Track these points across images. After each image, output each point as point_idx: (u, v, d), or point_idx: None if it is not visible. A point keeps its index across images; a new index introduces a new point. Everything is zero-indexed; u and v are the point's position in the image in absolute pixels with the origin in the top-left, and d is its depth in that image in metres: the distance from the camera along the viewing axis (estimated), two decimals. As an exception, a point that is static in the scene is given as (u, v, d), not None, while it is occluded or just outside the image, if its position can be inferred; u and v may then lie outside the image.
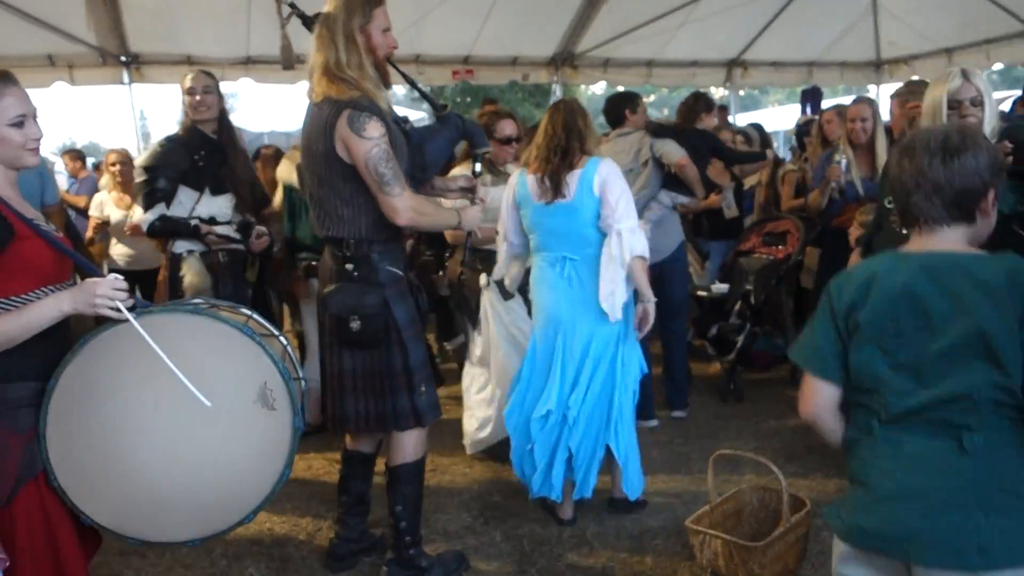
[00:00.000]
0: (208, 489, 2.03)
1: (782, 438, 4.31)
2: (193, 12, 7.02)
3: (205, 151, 3.76)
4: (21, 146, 1.93)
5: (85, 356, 1.94)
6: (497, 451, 4.08)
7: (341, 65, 2.63)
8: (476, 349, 3.97)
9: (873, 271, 1.75)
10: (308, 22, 2.77)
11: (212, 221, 3.79)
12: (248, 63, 7.81)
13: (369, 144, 2.58)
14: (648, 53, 8.86)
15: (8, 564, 1.90)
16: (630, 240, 3.10)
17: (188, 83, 3.76)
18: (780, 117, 15.62)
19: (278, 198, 4.42)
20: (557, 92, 8.93)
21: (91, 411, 1.95)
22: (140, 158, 3.83)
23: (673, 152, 4.47)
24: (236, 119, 4.27)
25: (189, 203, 3.76)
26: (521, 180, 3.29)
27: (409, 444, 2.91)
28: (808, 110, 9.15)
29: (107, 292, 1.89)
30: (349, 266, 2.74)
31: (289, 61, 3.14)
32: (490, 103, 9.05)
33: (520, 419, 3.34)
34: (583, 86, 9.63)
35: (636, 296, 3.26)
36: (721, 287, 5.04)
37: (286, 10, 2.88)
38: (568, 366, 3.21)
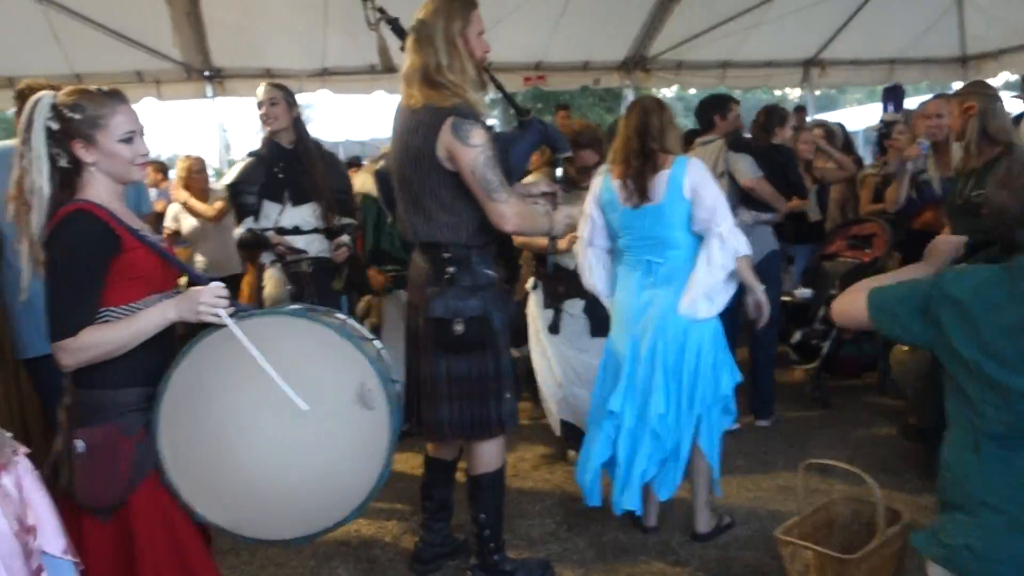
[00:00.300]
0: (311, 488, 2.06)
1: (874, 448, 4.17)
2: (273, 27, 7.21)
3: (283, 163, 3.84)
4: (130, 161, 2.00)
5: (191, 360, 2.00)
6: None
7: (442, 70, 2.63)
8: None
9: (992, 277, 1.70)
10: (397, 27, 2.79)
11: (296, 231, 3.86)
12: (325, 75, 7.98)
13: (475, 151, 2.59)
14: (722, 55, 8.73)
15: (83, 568, 1.95)
16: (732, 242, 3.04)
17: (259, 96, 3.86)
18: (860, 116, 15.18)
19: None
20: (629, 96, 8.86)
21: (199, 413, 2.01)
22: (224, 178, 3.95)
23: (744, 171, 4.39)
24: (312, 130, 4.34)
25: (273, 215, 3.84)
26: (606, 184, 3.23)
27: (490, 453, 2.91)
28: (890, 109, 8.87)
29: (209, 299, 1.95)
30: (451, 269, 2.74)
31: (388, 62, 3.15)
32: (563, 109, 9.08)
33: (596, 428, 3.26)
34: (655, 90, 9.50)
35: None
36: (805, 292, 4.92)
37: (374, 15, 2.91)
38: (653, 371, 3.13)
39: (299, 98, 4.02)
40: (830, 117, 12.11)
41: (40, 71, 3.76)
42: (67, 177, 1.97)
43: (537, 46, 8.18)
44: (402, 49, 2.79)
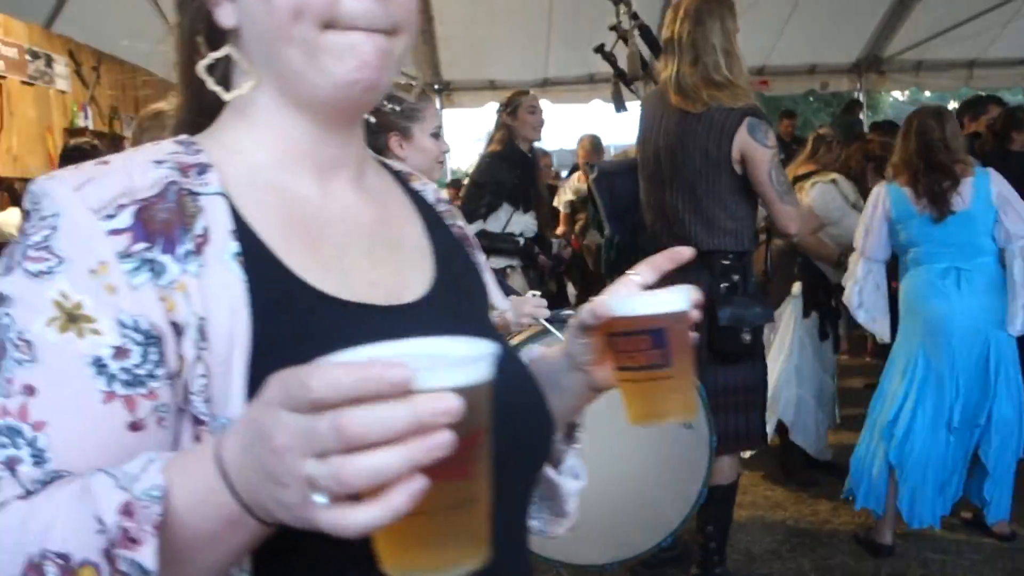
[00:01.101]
0: (626, 509, 1.97)
1: None
2: (499, 40, 7.53)
3: (521, 169, 3.95)
4: (436, 158, 1.96)
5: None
6: (801, 476, 3.92)
7: (722, 69, 2.59)
8: None
9: None
10: (648, 34, 2.80)
11: (521, 236, 3.98)
12: (546, 85, 8.20)
13: (771, 152, 2.56)
14: (970, 53, 8.01)
15: None
16: None
17: (530, 100, 3.90)
18: None
19: None
20: (862, 100, 8.36)
21: None
22: (472, 172, 4.06)
23: None
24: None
25: (505, 218, 3.96)
26: (894, 194, 3.16)
27: (729, 465, 2.84)
28: None
29: (534, 311, 1.89)
30: (736, 277, 2.67)
31: (636, 70, 3.19)
32: (788, 117, 8.67)
33: (907, 439, 3.14)
34: (888, 93, 8.90)
35: None
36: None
37: (628, 20, 2.94)
38: (971, 376, 3.10)
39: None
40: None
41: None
42: None
43: (761, 50, 7.91)
44: (655, 55, 2.79)
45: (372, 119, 1.81)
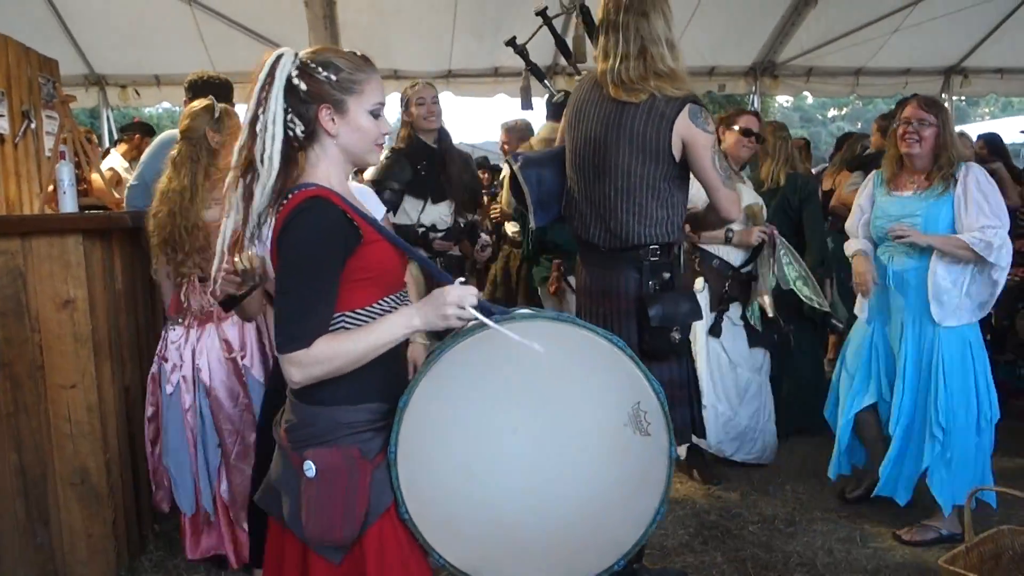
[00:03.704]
0: (574, 528, 1.74)
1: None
2: (403, 29, 7.36)
3: (427, 161, 3.86)
4: (374, 140, 1.72)
5: (438, 372, 1.67)
6: (709, 472, 3.95)
7: (666, 60, 2.52)
8: None
9: None
10: (588, 16, 2.71)
11: (433, 228, 3.89)
12: (449, 76, 8.08)
13: (712, 138, 2.51)
14: (856, 61, 8.39)
15: None
16: None
17: (418, 92, 3.86)
18: (994, 131, 14.32)
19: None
20: (755, 103, 8.62)
21: (443, 434, 1.70)
22: (367, 172, 3.95)
23: None
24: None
25: (414, 212, 3.87)
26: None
27: None
28: (1039, 121, 8.32)
29: (459, 300, 1.60)
30: (666, 274, 2.61)
31: (582, 54, 3.09)
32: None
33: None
34: (774, 97, 9.28)
35: None
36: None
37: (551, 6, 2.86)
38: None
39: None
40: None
41: (185, 70, 3.90)
42: (291, 152, 1.66)
43: (662, 51, 8.04)
44: (592, 39, 2.70)
45: (303, 86, 1.62)
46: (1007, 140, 12.57)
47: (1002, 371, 4.66)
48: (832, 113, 34.81)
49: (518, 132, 4.89)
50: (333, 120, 1.65)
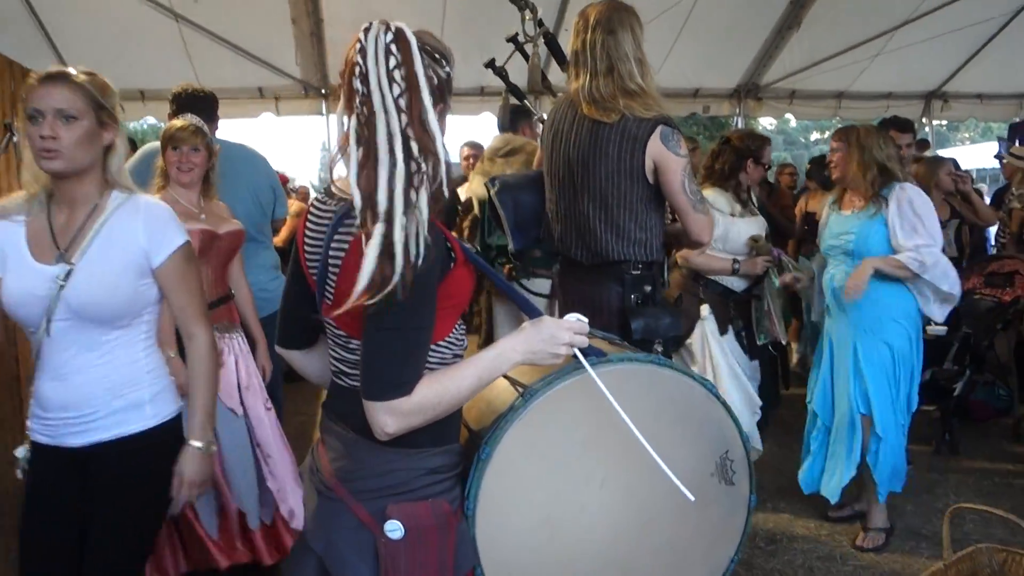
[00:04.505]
0: None
1: (1010, 498, 3.88)
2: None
3: None
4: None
5: (529, 419, 1.51)
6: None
7: (635, 77, 2.52)
8: None
9: None
10: (554, 42, 2.72)
11: None
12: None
13: (684, 161, 2.50)
14: (838, 85, 8.49)
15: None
16: None
17: None
18: (973, 156, 14.54)
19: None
20: (739, 124, 8.70)
21: (526, 486, 1.53)
22: None
23: None
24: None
25: None
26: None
27: None
28: (1017, 144, 8.43)
29: (571, 338, 1.46)
30: (647, 288, 2.61)
31: (537, 81, 3.11)
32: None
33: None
34: (757, 119, 9.39)
35: None
36: (938, 329, 4.64)
37: (533, 27, 2.88)
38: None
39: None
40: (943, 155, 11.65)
41: (170, 85, 3.88)
42: None
43: (647, 71, 8.11)
44: (560, 63, 2.73)
45: (436, 77, 1.39)
46: (982, 165, 12.76)
47: (981, 392, 4.70)
48: (815, 136, 35.17)
49: (481, 149, 5.03)
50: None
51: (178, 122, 3.08)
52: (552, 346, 1.45)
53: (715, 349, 3.59)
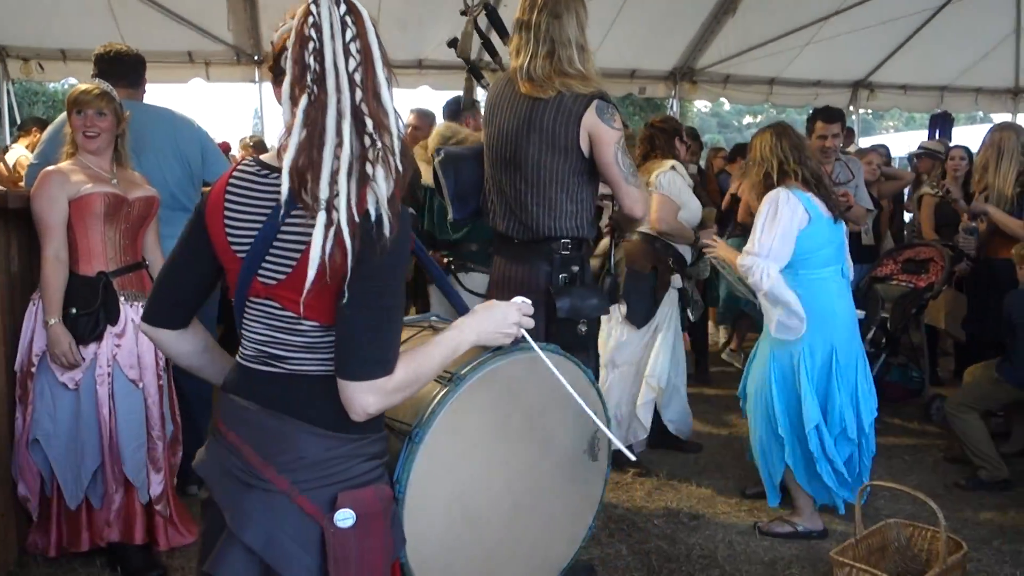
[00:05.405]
0: (526, 553, 1.77)
1: (919, 475, 4.08)
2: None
3: None
4: None
5: (458, 400, 1.56)
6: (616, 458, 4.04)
7: (574, 63, 2.55)
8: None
9: None
10: (496, 16, 2.71)
11: None
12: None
13: (618, 134, 2.53)
14: (771, 71, 8.68)
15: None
16: None
17: None
18: (897, 144, 15.05)
19: None
20: (674, 107, 8.82)
21: (449, 465, 1.58)
22: None
23: None
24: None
25: None
26: (806, 200, 3.23)
27: None
28: (937, 136, 8.78)
29: (520, 318, 1.55)
30: (575, 268, 2.64)
31: (467, 50, 3.10)
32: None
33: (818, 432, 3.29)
34: (693, 103, 9.55)
35: None
36: (856, 313, 4.82)
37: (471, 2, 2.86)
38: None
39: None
40: (865, 143, 12.04)
41: (93, 46, 3.70)
42: None
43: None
44: (502, 38, 2.73)
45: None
46: (905, 152, 13.23)
47: (895, 373, 4.91)
48: (748, 120, 35.91)
49: (429, 119, 4.96)
50: None
51: (83, 85, 2.95)
52: (503, 327, 1.54)
53: (673, 316, 3.82)
